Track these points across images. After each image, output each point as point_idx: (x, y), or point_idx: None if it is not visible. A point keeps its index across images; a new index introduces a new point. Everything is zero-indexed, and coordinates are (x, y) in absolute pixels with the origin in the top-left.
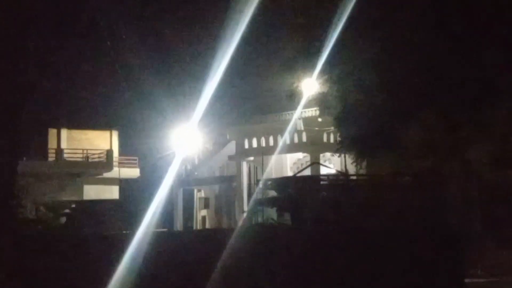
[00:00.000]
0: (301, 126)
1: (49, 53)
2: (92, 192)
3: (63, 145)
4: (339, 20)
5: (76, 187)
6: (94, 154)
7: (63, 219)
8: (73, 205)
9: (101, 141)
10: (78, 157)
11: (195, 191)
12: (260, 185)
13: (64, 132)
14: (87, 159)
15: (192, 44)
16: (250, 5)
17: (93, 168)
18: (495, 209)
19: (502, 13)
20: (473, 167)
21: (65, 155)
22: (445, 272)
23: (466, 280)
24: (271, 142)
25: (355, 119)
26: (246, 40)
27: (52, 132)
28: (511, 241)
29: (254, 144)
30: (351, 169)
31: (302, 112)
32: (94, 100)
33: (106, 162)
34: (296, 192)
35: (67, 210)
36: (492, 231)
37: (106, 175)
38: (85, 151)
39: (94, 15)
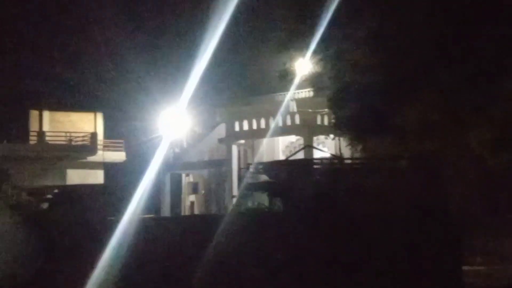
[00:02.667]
0: (294, 107)
1: (31, 33)
2: (75, 176)
3: (46, 127)
4: None
5: (59, 171)
6: (77, 137)
7: (45, 205)
8: (56, 190)
9: (85, 124)
10: (61, 140)
11: (183, 175)
12: (251, 169)
13: (46, 114)
14: (71, 142)
15: (181, 23)
16: None
17: (76, 151)
18: (495, 194)
19: None
20: (473, 151)
21: (47, 138)
22: (443, 258)
23: (465, 268)
24: (263, 125)
25: (351, 100)
26: (236, 19)
27: (34, 114)
28: (511, 227)
29: (245, 126)
30: (346, 153)
31: (295, 93)
32: (78, 81)
33: (90, 145)
34: (288, 176)
35: (49, 196)
36: (492, 217)
37: (90, 159)
38: (68, 134)
39: None
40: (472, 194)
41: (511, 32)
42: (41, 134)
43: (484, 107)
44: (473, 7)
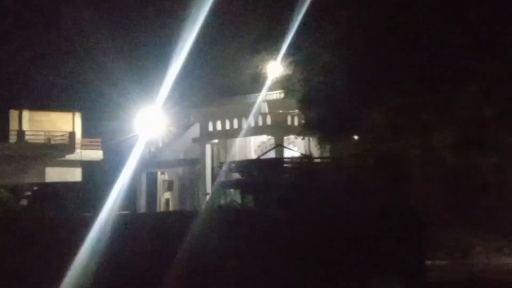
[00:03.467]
0: (265, 108)
1: (10, 35)
2: (54, 174)
3: (25, 126)
4: (303, 3)
5: (38, 169)
6: (56, 136)
7: (25, 202)
8: (35, 188)
9: (63, 123)
10: (40, 139)
11: (159, 173)
12: (224, 167)
13: (26, 114)
14: (49, 141)
15: (157, 26)
16: None
17: (55, 150)
18: (457, 191)
19: None
20: (436, 150)
21: (27, 137)
22: (406, 253)
23: (427, 262)
24: (236, 125)
25: (319, 102)
26: (211, 23)
27: (14, 113)
28: (473, 223)
29: (219, 126)
30: (315, 152)
31: (267, 94)
32: (56, 82)
33: (69, 144)
34: (259, 174)
35: (28, 193)
36: (454, 213)
37: (69, 157)
38: (47, 133)
39: None
40: (434, 191)
41: (470, 40)
42: (20, 133)
43: (445, 110)
44: (434, 16)
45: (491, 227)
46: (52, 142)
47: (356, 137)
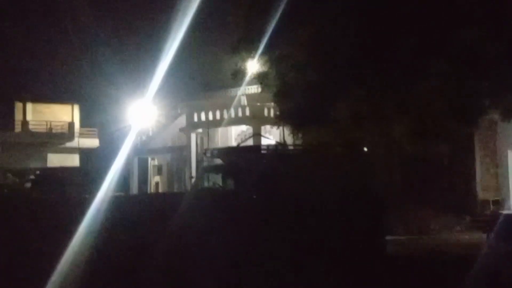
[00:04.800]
0: (244, 101)
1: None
2: (55, 160)
3: (29, 117)
4: (278, 7)
5: (40, 155)
6: (57, 125)
7: (29, 184)
8: (38, 172)
9: (63, 114)
10: (42, 128)
11: (149, 159)
12: (207, 154)
13: (29, 106)
14: (51, 130)
15: (148, 28)
16: None
17: (56, 138)
18: (413, 176)
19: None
20: (395, 140)
21: (30, 127)
22: (370, 231)
23: (388, 238)
24: (218, 116)
25: (292, 95)
26: (196, 25)
27: (19, 105)
28: (428, 203)
29: (203, 117)
30: (289, 140)
31: (246, 89)
32: (57, 77)
33: (68, 133)
34: (239, 160)
35: (32, 176)
36: (411, 194)
37: (68, 145)
38: (49, 123)
39: None
40: (394, 176)
41: (425, 42)
42: (25, 123)
43: (403, 104)
44: (394, 21)
45: (443, 207)
46: (53, 131)
47: (324, 127)
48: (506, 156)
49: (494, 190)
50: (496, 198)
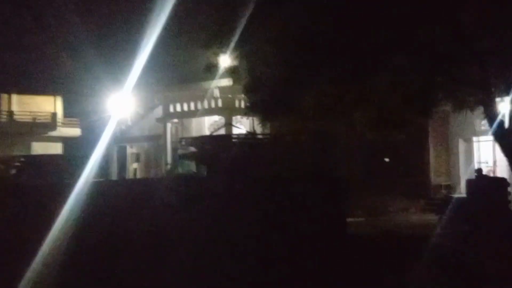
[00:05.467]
0: (217, 93)
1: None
2: (39, 148)
3: (14, 108)
4: (248, 6)
5: (25, 144)
6: (41, 116)
7: (14, 171)
8: (22, 159)
9: (47, 105)
10: (27, 118)
11: (128, 147)
12: (182, 142)
13: (14, 97)
14: (35, 120)
15: (126, 24)
16: None
17: (40, 128)
18: (373, 162)
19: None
20: (356, 128)
21: (15, 117)
22: (332, 213)
23: (349, 219)
24: (192, 107)
25: (261, 88)
26: (172, 21)
27: (4, 96)
28: (385, 187)
29: (178, 108)
30: (258, 129)
31: (218, 82)
32: (41, 70)
33: (51, 123)
34: (211, 148)
35: (17, 163)
36: (371, 179)
37: (51, 134)
38: (33, 113)
39: None
40: (355, 162)
41: (384, 38)
42: (10, 113)
43: (365, 96)
44: (358, 17)
45: (400, 191)
46: (37, 121)
47: (291, 117)
48: (457, 144)
49: (446, 176)
50: (447, 183)
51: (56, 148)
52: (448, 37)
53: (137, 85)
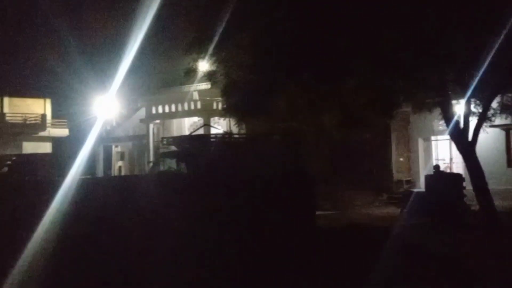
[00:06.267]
0: (196, 96)
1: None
2: (29, 147)
3: (6, 109)
4: (225, 14)
5: (16, 144)
6: (31, 117)
7: (6, 169)
8: (14, 158)
9: (36, 107)
10: (18, 119)
11: (113, 146)
12: (164, 142)
13: (6, 99)
14: (26, 121)
15: (111, 30)
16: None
17: (30, 128)
18: (341, 160)
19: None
20: (325, 128)
21: (7, 118)
22: (302, 207)
23: (318, 213)
24: (173, 109)
25: (237, 91)
26: (154, 28)
27: None
28: (352, 183)
29: (160, 110)
30: (234, 130)
31: (197, 85)
32: (31, 74)
33: (41, 123)
34: (191, 147)
35: (8, 162)
36: (338, 176)
37: (41, 134)
38: (24, 115)
39: None
40: (324, 159)
41: (349, 43)
42: (2, 115)
43: (332, 97)
44: (326, 25)
45: (365, 186)
46: (28, 122)
47: (265, 118)
48: (417, 143)
49: (407, 172)
50: (408, 179)
51: (45, 148)
52: (409, 44)
53: (121, 88)
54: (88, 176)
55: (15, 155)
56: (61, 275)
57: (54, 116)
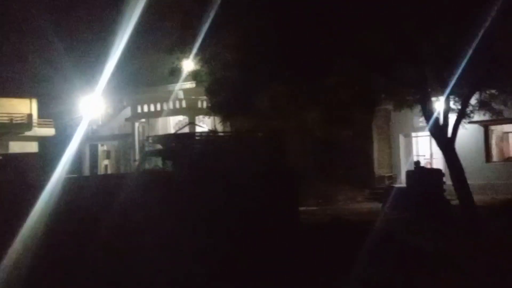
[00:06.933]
0: (181, 95)
1: None
2: (16, 147)
3: None
4: (209, 14)
5: (2, 143)
6: (17, 117)
7: None
8: (0, 157)
9: (23, 107)
10: (4, 119)
11: (99, 145)
12: (149, 140)
13: None
14: (12, 121)
15: (97, 30)
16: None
17: (17, 128)
18: (324, 157)
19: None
20: (308, 126)
21: None
22: (285, 203)
23: (302, 208)
24: (158, 108)
25: (221, 90)
26: (140, 28)
27: None
28: (335, 178)
29: (145, 109)
30: (219, 128)
31: (182, 84)
32: (18, 74)
33: (27, 123)
34: (176, 145)
35: None
36: (321, 172)
37: (28, 133)
38: (10, 115)
39: None
40: (307, 156)
41: (331, 42)
42: None
43: (316, 96)
44: (307, 24)
45: (347, 182)
46: (14, 122)
47: (249, 116)
48: (398, 139)
49: (388, 167)
50: (389, 174)
51: (32, 147)
52: (389, 43)
53: (107, 87)
54: (75, 175)
55: (1, 154)
56: (46, 273)
57: (40, 116)
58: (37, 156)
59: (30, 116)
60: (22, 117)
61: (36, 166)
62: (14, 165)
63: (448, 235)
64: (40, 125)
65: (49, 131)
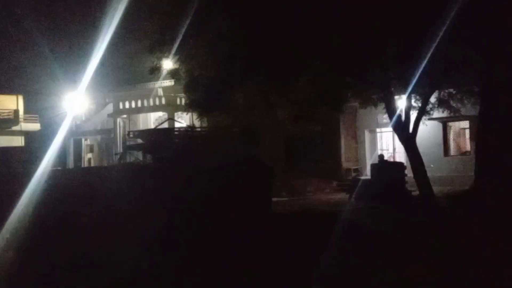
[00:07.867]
0: (161, 92)
1: None
2: (3, 141)
3: None
4: (187, 15)
5: None
6: (4, 113)
7: None
8: None
9: (9, 103)
10: None
11: (83, 140)
12: (130, 135)
13: None
14: None
15: (81, 29)
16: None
17: (3, 123)
18: (295, 151)
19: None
20: (280, 122)
21: None
22: (259, 194)
23: (274, 199)
24: (139, 104)
25: (198, 88)
26: (121, 28)
27: None
28: (305, 171)
29: (127, 105)
30: (197, 123)
31: (162, 82)
32: (4, 71)
33: (14, 119)
34: (156, 139)
35: None
36: (292, 165)
37: (14, 128)
38: None
39: None
40: (279, 150)
41: (304, 43)
42: None
43: (287, 93)
44: (280, 26)
45: (316, 174)
46: (1, 117)
47: (224, 113)
48: (363, 134)
49: (354, 161)
50: (356, 167)
51: (18, 141)
52: (355, 45)
53: (90, 85)
54: (59, 168)
55: None
56: (31, 260)
57: (26, 111)
58: (23, 150)
59: (16, 112)
60: (9, 113)
61: (22, 159)
62: (1, 158)
63: (407, 223)
64: (26, 120)
65: (35, 126)
